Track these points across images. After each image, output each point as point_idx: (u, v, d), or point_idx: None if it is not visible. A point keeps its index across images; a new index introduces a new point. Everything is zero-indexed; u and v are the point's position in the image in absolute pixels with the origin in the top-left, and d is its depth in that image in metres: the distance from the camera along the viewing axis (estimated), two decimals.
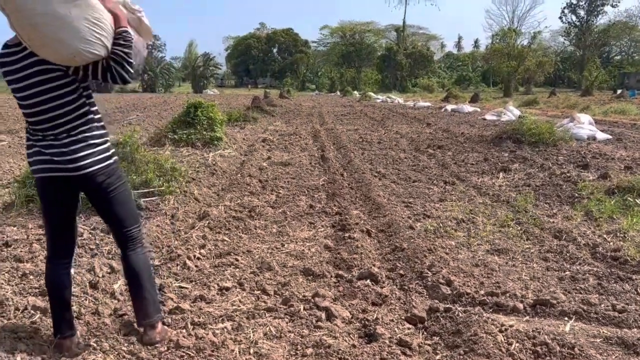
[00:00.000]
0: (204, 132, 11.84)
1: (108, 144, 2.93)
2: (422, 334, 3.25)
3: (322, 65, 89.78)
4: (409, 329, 3.30)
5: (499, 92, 56.52)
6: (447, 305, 3.51)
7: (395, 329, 3.25)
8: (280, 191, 7.22)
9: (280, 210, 6.20)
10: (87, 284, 3.75)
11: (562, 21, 72.38)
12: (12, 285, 3.81)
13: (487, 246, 5.07)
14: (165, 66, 76.01)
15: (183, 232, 5.19)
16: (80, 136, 2.77)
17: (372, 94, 45.79)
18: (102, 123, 2.93)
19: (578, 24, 70.93)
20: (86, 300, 3.56)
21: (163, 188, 6.10)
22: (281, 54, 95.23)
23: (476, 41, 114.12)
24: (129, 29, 2.85)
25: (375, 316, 3.37)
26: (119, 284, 3.86)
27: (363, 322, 3.33)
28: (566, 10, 71.75)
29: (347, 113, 25.13)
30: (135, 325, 3.12)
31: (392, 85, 69.23)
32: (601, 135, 13.76)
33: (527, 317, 3.46)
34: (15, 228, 5.26)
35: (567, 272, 4.32)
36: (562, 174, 8.46)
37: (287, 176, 8.42)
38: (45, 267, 3.08)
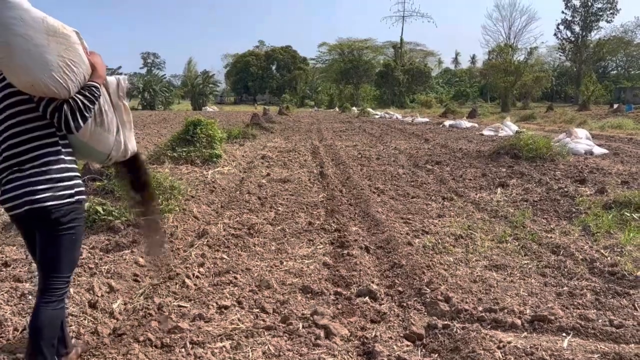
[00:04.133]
0: (203, 150, 11.90)
1: (74, 180, 2.76)
2: (421, 351, 3.26)
3: (320, 81, 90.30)
4: (407, 346, 3.31)
5: (496, 107, 56.79)
6: (446, 322, 3.52)
7: (394, 347, 3.26)
8: (280, 208, 7.25)
9: (279, 228, 6.22)
10: (87, 303, 3.77)
11: (557, 37, 72.99)
12: (11, 306, 3.83)
13: (485, 262, 5.09)
14: (164, 84, 76.37)
15: (182, 250, 5.21)
16: (43, 168, 2.65)
17: (370, 109, 46.06)
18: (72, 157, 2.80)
19: (573, 39, 71.50)
20: (85, 319, 3.57)
21: (162, 206, 6.12)
22: (280, 71, 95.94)
23: (473, 57, 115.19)
24: (101, 88, 2.84)
25: (373, 334, 3.38)
26: (118, 304, 3.87)
27: (362, 339, 3.34)
28: (561, 27, 72.41)
29: (345, 129, 25.24)
30: (135, 344, 3.13)
31: (390, 101, 69.58)
32: (598, 150, 13.84)
33: (525, 333, 3.46)
34: (14, 247, 5.28)
35: (565, 288, 4.33)
36: (560, 189, 8.49)
37: (286, 193, 8.45)
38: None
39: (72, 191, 2.72)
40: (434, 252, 5.38)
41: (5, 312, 3.61)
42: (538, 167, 11.04)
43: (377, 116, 40.46)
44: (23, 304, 3.83)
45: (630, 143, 16.87)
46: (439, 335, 3.37)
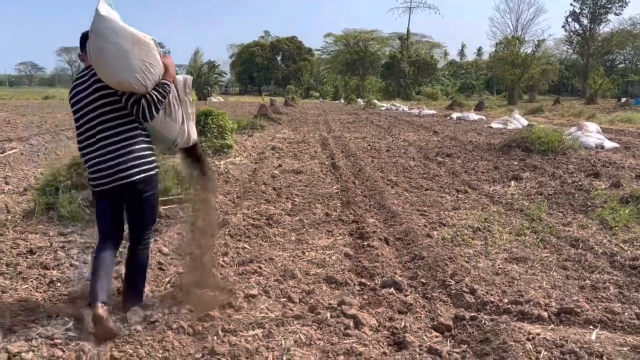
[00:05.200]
0: (215, 140, 11.92)
1: (152, 157, 3.46)
2: (450, 342, 3.29)
3: (325, 73, 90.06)
4: (436, 337, 3.34)
5: (502, 100, 56.56)
6: (473, 314, 3.55)
7: (424, 337, 3.29)
8: (296, 199, 7.27)
9: (297, 218, 6.25)
10: (115, 291, 3.80)
11: (565, 30, 72.49)
12: (41, 292, 3.87)
13: (505, 254, 5.10)
14: None
15: (204, 240, 5.23)
16: (128, 149, 3.33)
17: (376, 101, 45.94)
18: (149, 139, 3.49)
19: (581, 32, 71.04)
20: (115, 307, 3.60)
21: (182, 196, 6.16)
22: (285, 62, 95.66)
23: (479, 49, 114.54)
24: (171, 86, 3.47)
25: (403, 324, 3.41)
26: (146, 291, 3.90)
27: (391, 330, 3.37)
28: (569, 19, 71.88)
29: (353, 121, 25.21)
30: (169, 332, 3.17)
31: (396, 93, 69.34)
32: (609, 144, 13.81)
33: (552, 326, 3.49)
34: (37, 235, 5.32)
35: (587, 281, 4.35)
36: (574, 183, 8.49)
37: (300, 184, 8.47)
38: (96, 247, 3.60)
39: (151, 165, 3.44)
40: (453, 245, 5.40)
41: (37, 299, 3.65)
42: (550, 160, 11.03)
43: (383, 108, 40.40)
44: (52, 291, 3.88)
45: None
46: (468, 327, 3.39)
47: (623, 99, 44.05)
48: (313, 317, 3.51)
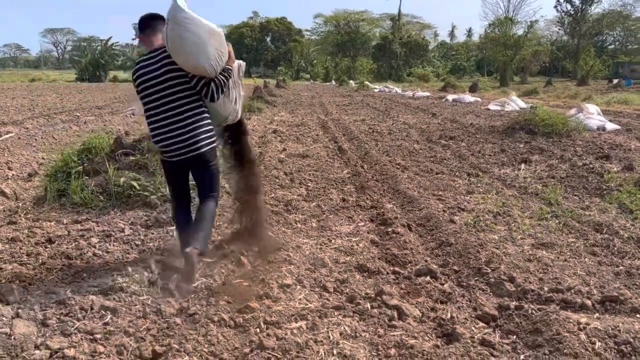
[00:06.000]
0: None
1: (213, 131, 3.94)
2: (497, 332, 3.21)
3: (316, 54, 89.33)
4: (483, 327, 3.26)
5: (494, 81, 56.42)
6: (518, 303, 3.48)
7: (473, 328, 3.21)
8: (309, 184, 7.15)
9: (314, 204, 6.14)
10: (146, 281, 3.68)
11: (557, 10, 72.16)
12: (68, 283, 3.74)
13: (532, 240, 5.04)
14: None
15: (225, 226, 5.12)
16: (197, 124, 3.78)
17: (368, 83, 45.62)
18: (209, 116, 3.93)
19: (573, 12, 70.78)
20: (149, 299, 3.49)
21: None
22: (275, 43, 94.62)
23: (469, 30, 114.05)
24: (232, 70, 3.92)
25: (449, 315, 3.32)
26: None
27: (437, 321, 3.28)
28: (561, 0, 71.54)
29: (348, 103, 25.02)
30: (211, 325, 3.07)
31: (388, 75, 69.03)
32: (610, 126, 13.78)
33: (597, 314, 3.42)
34: (52, 223, 5.18)
35: (621, 267, 4.30)
36: (585, 166, 8.45)
37: (309, 169, 8.35)
38: (172, 210, 4.32)
39: (214, 138, 3.93)
40: (476, 230, 5.32)
41: (66, 291, 3.52)
42: (556, 142, 10.98)
43: (376, 90, 40.14)
44: (80, 282, 3.75)
45: (639, 119, 16.83)
46: (514, 317, 3.32)
47: (615, 81, 44.11)
48: (354, 308, 3.42)
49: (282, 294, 3.59)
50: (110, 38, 67.95)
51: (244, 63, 4.22)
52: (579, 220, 5.69)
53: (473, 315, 3.40)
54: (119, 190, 5.70)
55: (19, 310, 3.23)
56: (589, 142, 10.89)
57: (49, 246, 4.51)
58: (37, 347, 2.82)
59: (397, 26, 78.43)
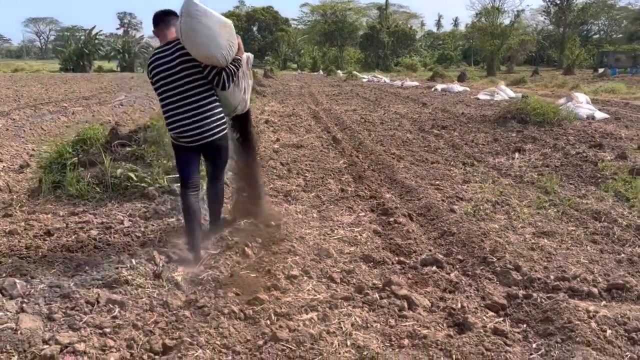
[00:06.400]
0: None
1: (225, 118, 4.20)
2: (508, 321, 3.22)
3: (303, 44, 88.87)
4: (493, 317, 3.26)
5: (481, 71, 56.59)
6: (526, 292, 3.49)
7: (484, 318, 3.21)
8: (307, 175, 7.11)
9: (312, 194, 6.11)
10: (151, 274, 3.64)
11: (543, 0, 72.42)
12: (70, 277, 3.68)
13: (532, 229, 5.05)
14: (143, 45, 74.40)
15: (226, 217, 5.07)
16: (211, 112, 4.03)
17: (357, 73, 45.51)
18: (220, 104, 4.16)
19: (558, 2, 71.05)
20: (155, 291, 3.44)
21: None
22: (261, 32, 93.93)
23: (456, 20, 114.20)
24: (242, 60, 4.14)
25: (459, 304, 3.32)
26: (180, 275, 3.75)
27: (447, 310, 3.28)
28: None
29: (338, 93, 24.94)
30: (222, 317, 3.03)
31: (375, 65, 68.92)
32: (599, 115, 13.87)
33: (604, 302, 3.44)
34: (49, 215, 5.10)
35: (623, 255, 4.33)
36: (578, 154, 8.50)
37: (305, 159, 8.30)
38: (180, 196, 4.34)
39: (226, 125, 4.21)
40: (476, 219, 5.33)
41: (70, 284, 3.46)
42: (547, 131, 11.03)
43: (364, 80, 40.06)
44: (83, 275, 3.68)
45: (627, 108, 16.97)
46: (523, 305, 3.32)
47: (600, 70, 44.45)
48: (362, 298, 3.40)
49: (289, 285, 3.57)
50: (94, 27, 66.86)
51: (252, 55, 4.48)
52: (577, 208, 5.72)
53: (482, 305, 3.40)
54: (116, 181, 5.63)
55: (24, 305, 3.17)
56: (580, 131, 10.96)
57: (47, 239, 4.44)
58: (45, 341, 2.76)
59: (385, 15, 78.13)
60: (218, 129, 4.06)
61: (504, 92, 21.23)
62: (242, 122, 4.61)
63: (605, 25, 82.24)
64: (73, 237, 4.43)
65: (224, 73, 3.93)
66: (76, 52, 61.46)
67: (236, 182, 5.23)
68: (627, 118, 13.87)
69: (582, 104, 14.71)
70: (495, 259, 4.04)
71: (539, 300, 3.33)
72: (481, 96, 20.89)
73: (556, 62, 68.07)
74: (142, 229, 4.66)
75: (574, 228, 5.09)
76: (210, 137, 4.02)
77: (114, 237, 4.45)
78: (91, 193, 5.59)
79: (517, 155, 8.85)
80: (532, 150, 9.13)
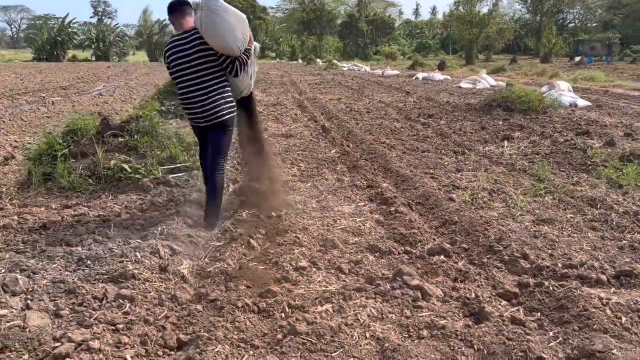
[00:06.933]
0: None
1: (233, 102, 4.58)
2: (522, 310, 3.22)
3: (281, 32, 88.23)
4: (508, 305, 3.26)
5: (459, 59, 56.87)
6: (536, 280, 3.49)
7: (499, 307, 3.20)
8: (301, 164, 7.05)
9: (309, 184, 6.05)
10: (157, 267, 3.56)
11: None
12: (73, 272, 3.58)
13: (531, 216, 5.07)
14: (118, 34, 73.16)
15: (223, 209, 4.99)
16: (220, 95, 4.41)
17: (337, 62, 45.37)
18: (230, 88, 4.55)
19: None
20: (162, 285, 3.37)
21: (189, 163, 5.86)
22: None
23: (434, 8, 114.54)
24: (251, 49, 4.53)
25: (473, 294, 3.31)
26: (187, 267, 3.68)
27: (461, 300, 3.26)
28: None
29: (320, 82, 24.81)
30: (237, 311, 2.98)
31: (354, 53, 68.80)
32: (581, 102, 14.01)
33: (614, 289, 3.46)
34: (42, 209, 4.97)
35: (624, 241, 4.36)
36: (566, 142, 8.57)
37: (296, 148, 8.24)
38: (201, 166, 4.93)
39: (234, 107, 4.57)
40: (475, 208, 5.33)
41: (74, 279, 3.37)
42: (533, 119, 11.11)
43: (345, 68, 39.96)
44: (86, 270, 3.59)
45: (607, 95, 17.18)
46: (536, 294, 3.32)
47: (577, 58, 45.02)
48: (374, 289, 3.37)
49: (299, 276, 3.52)
50: (67, 15, 65.49)
51: (259, 45, 4.95)
52: (572, 195, 5.76)
53: (494, 294, 3.39)
54: (109, 173, 5.50)
55: (28, 302, 3.07)
56: (566, 119, 11.06)
57: (44, 232, 4.32)
58: (56, 339, 2.67)
59: (363, 4, 77.92)
60: (227, 111, 4.44)
61: (486, 81, 21.36)
62: (246, 102, 5.05)
63: (581, 14, 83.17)
64: (71, 231, 4.31)
65: (237, 62, 4.35)
66: (49, 41, 60.28)
67: (244, 150, 5.76)
68: (608, 106, 14.04)
69: (564, 92, 14.85)
70: (501, 248, 4.04)
71: (551, 288, 3.33)
72: (463, 84, 20.97)
73: (532, 50, 68.70)
74: (141, 222, 4.56)
75: (572, 215, 5.13)
76: (219, 118, 4.39)
77: (113, 230, 4.34)
78: (84, 185, 5.46)
79: (506, 143, 8.89)
80: (521, 138, 9.18)
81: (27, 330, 2.74)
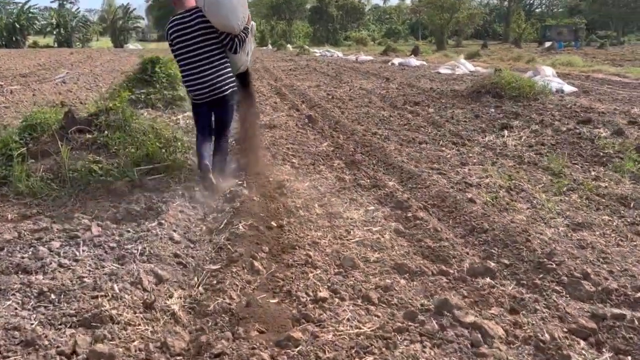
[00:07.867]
0: (165, 92, 10.69)
1: (234, 77, 4.95)
2: (606, 353, 2.57)
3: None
4: (587, 347, 2.61)
5: (430, 45, 56.44)
6: (613, 310, 2.85)
7: (582, 352, 2.55)
8: (294, 160, 6.30)
9: (307, 184, 5.32)
10: (141, 304, 2.81)
11: None
12: (31, 311, 2.80)
13: (564, 220, 4.46)
14: (81, 19, 70.52)
15: (213, 219, 4.25)
16: (222, 71, 4.80)
17: (308, 47, 44.40)
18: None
19: None
20: (148, 328, 2.63)
21: (168, 162, 5.08)
22: None
23: None
24: (249, 28, 4.90)
25: (545, 334, 2.64)
26: (177, 302, 2.94)
27: (531, 342, 2.60)
28: None
29: (294, 68, 23.93)
30: None
31: (325, 39, 67.75)
32: (568, 88, 13.61)
33: None
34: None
35: None
36: (569, 131, 8.05)
37: (283, 141, 7.48)
38: (196, 137, 5.15)
39: (235, 82, 4.95)
40: (497, 210, 4.69)
41: (32, 323, 2.60)
42: (526, 106, 10.56)
43: (317, 54, 39.05)
44: (49, 308, 2.81)
45: (589, 81, 16.86)
46: (617, 329, 2.68)
47: (547, 43, 45.02)
48: (419, 329, 2.68)
49: (321, 312, 2.81)
50: (28, 1, 62.69)
51: (255, 24, 5.24)
52: (599, 193, 5.19)
53: (565, 330, 2.74)
54: (76, 175, 4.69)
55: None
56: (559, 106, 10.55)
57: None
58: None
59: None
60: (228, 86, 4.80)
61: (464, 66, 20.89)
62: (243, 77, 5.34)
63: (547, 0, 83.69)
64: (30, 253, 3.49)
65: (236, 39, 4.73)
66: (8, 26, 57.69)
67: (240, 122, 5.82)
68: (595, 91, 13.69)
69: (550, 77, 14.43)
70: (553, 265, 3.39)
71: (635, 322, 2.70)
72: (442, 70, 20.45)
73: (502, 35, 68.76)
74: (117, 238, 3.77)
75: (608, 217, 4.54)
76: (222, 92, 4.75)
77: (82, 251, 3.55)
78: (45, 190, 4.63)
79: (506, 133, 8.30)
80: (520, 127, 8.60)
81: None
